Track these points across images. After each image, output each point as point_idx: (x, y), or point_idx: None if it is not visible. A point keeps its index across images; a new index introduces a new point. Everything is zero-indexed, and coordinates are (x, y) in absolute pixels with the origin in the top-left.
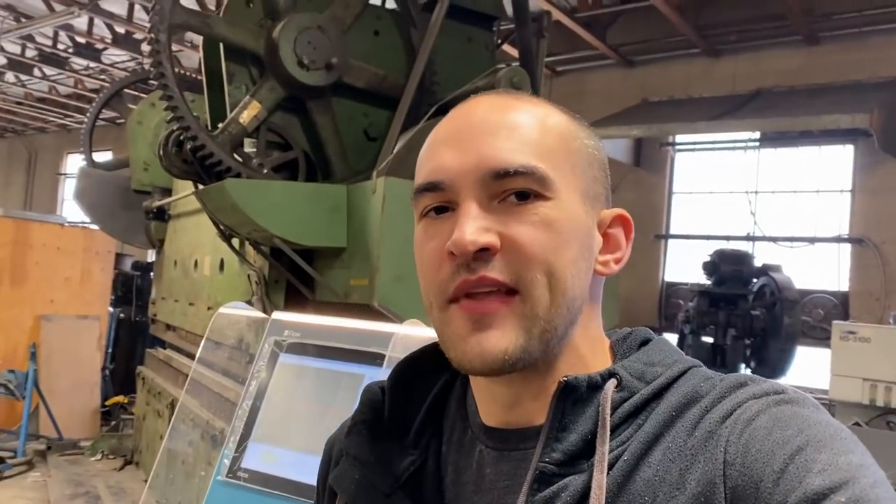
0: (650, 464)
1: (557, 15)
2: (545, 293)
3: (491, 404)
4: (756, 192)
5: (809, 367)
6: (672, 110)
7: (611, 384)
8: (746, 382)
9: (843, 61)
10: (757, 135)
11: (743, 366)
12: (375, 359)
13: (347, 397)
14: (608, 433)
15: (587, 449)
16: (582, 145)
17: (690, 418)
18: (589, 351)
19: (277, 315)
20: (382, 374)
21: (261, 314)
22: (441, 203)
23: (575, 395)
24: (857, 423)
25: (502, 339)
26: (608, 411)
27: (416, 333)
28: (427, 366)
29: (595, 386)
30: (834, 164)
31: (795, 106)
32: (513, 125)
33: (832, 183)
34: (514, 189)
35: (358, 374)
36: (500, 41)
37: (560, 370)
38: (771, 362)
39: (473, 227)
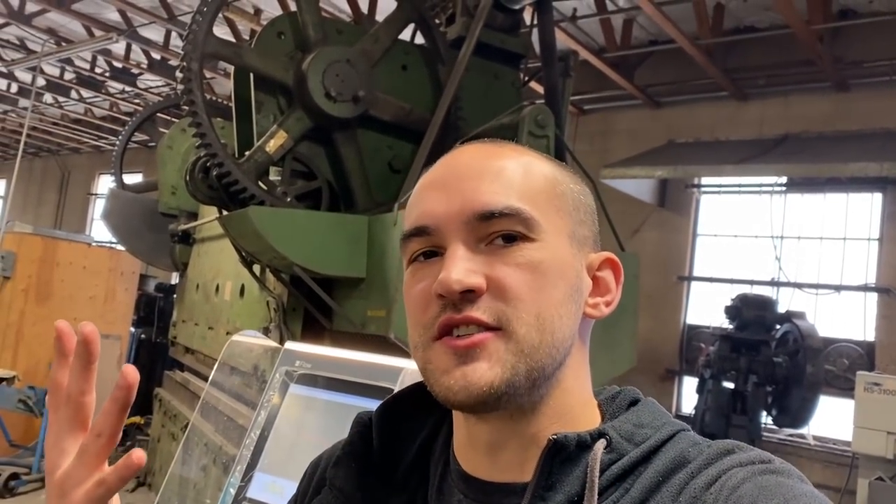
0: None
1: (585, 54)
2: (532, 332)
3: (471, 449)
4: (781, 238)
5: (832, 418)
6: (698, 152)
7: (600, 445)
8: (733, 450)
9: (873, 109)
10: (784, 180)
11: (764, 413)
12: (384, 393)
13: None
14: (596, 496)
15: None
16: (567, 189)
17: (676, 483)
18: (578, 399)
19: (290, 345)
20: None
21: (273, 343)
22: (429, 248)
23: (563, 454)
24: (880, 478)
25: (488, 371)
26: (597, 473)
27: None
28: (419, 404)
29: (584, 445)
30: (861, 211)
31: (823, 152)
32: (497, 169)
33: (859, 231)
34: (499, 231)
35: (366, 408)
36: (526, 79)
37: (548, 416)
38: (792, 411)
39: (460, 268)
